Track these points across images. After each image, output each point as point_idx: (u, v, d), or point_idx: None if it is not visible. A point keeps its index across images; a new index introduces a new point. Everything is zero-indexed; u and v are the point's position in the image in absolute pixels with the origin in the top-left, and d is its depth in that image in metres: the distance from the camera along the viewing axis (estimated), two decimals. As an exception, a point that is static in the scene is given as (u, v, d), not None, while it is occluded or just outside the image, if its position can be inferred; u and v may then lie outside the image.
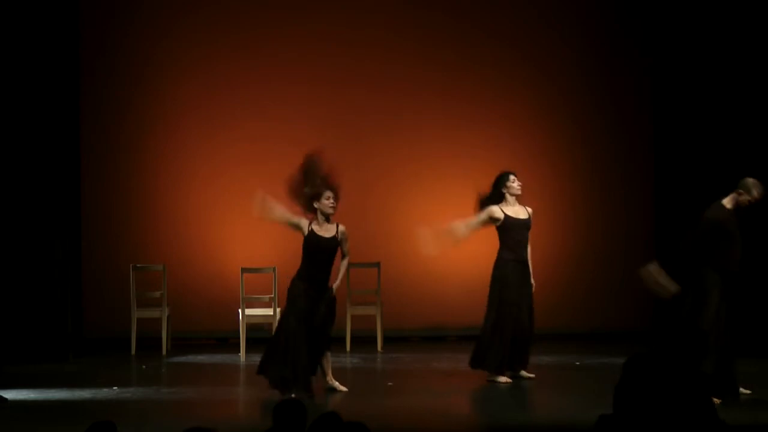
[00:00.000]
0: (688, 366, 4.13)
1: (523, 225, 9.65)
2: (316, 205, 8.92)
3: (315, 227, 8.91)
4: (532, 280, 9.68)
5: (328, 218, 8.96)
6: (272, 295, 11.14)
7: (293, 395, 8.54)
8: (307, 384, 8.76)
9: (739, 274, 8.53)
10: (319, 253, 8.89)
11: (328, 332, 9.00)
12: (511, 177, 9.67)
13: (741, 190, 8.50)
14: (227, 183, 12.24)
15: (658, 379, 4.07)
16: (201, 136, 12.27)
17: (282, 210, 9.03)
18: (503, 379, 9.49)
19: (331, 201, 8.94)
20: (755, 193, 8.48)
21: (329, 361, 9.13)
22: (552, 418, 8.17)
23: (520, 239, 9.61)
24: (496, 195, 9.65)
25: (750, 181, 8.52)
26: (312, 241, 8.88)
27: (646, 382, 4.08)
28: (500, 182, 9.67)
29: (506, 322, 9.45)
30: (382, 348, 11.52)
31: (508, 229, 9.59)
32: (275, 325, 10.98)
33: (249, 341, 11.12)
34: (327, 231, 8.96)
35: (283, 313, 9.06)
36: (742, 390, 8.54)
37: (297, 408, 4.95)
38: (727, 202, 8.54)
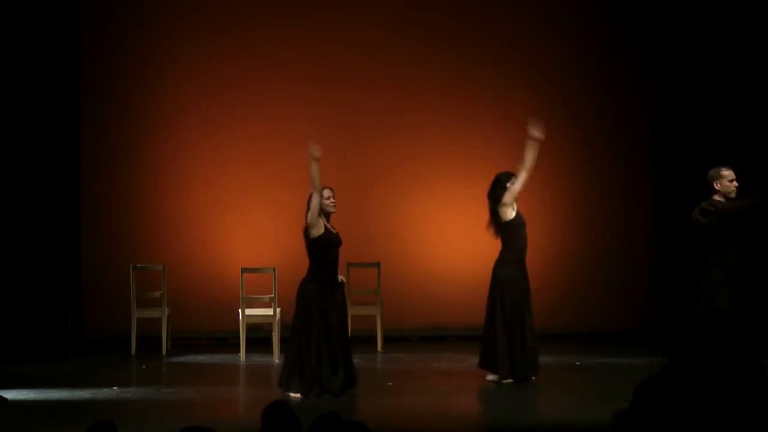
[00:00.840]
0: (742, 359, 4.08)
1: (525, 226, 9.62)
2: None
3: (327, 225, 9.02)
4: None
5: (329, 217, 9.04)
6: (272, 295, 11.13)
7: (316, 395, 8.69)
8: (323, 386, 8.79)
9: (740, 267, 8.57)
10: (333, 249, 8.99)
11: (347, 329, 9.22)
12: (512, 178, 9.59)
13: (714, 183, 8.53)
14: (227, 183, 12.25)
15: (713, 375, 4.02)
16: (201, 136, 12.27)
17: (317, 174, 8.82)
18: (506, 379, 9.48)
19: (332, 199, 8.99)
20: (724, 173, 8.53)
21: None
22: (552, 418, 8.16)
23: (523, 240, 9.58)
24: (494, 196, 9.58)
25: (711, 172, 8.59)
26: (327, 238, 8.95)
27: (697, 379, 4.03)
28: (501, 183, 9.60)
29: (513, 323, 9.42)
30: (382, 348, 11.52)
31: (515, 229, 9.54)
32: (275, 325, 11.03)
33: (249, 341, 11.13)
34: (333, 228, 9.08)
35: (297, 321, 8.99)
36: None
37: (285, 411, 4.91)
38: (718, 198, 8.56)
